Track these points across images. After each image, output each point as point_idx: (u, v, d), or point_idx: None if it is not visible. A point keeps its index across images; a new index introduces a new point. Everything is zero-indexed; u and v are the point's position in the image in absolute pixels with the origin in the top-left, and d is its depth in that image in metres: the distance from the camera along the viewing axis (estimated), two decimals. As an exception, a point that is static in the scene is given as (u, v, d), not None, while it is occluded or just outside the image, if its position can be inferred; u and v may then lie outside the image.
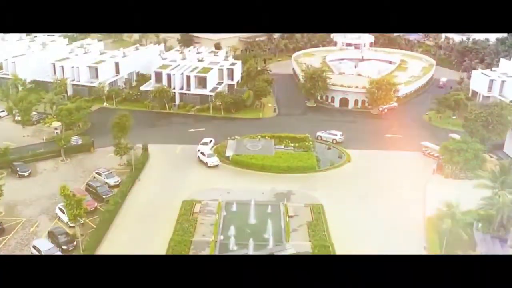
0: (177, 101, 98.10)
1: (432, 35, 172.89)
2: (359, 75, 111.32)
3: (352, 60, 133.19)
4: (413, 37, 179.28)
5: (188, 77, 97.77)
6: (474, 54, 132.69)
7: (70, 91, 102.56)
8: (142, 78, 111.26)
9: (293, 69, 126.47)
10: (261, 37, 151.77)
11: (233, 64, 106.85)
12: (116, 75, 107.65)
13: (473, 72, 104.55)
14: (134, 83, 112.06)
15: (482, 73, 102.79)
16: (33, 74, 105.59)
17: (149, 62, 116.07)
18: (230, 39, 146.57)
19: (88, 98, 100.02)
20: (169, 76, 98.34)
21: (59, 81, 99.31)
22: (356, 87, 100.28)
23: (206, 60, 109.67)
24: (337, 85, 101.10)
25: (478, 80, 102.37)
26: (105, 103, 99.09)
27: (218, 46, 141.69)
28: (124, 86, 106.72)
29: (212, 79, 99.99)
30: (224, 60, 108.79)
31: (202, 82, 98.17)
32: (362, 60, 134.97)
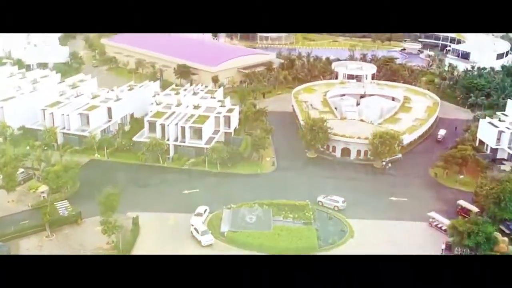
0: (171, 153, 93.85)
1: (435, 62, 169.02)
2: (362, 120, 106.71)
3: (354, 95, 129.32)
4: (416, 62, 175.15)
5: (183, 128, 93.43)
6: (480, 91, 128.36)
7: (60, 140, 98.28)
8: (136, 123, 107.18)
9: (292, 107, 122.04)
10: (260, 67, 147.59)
11: (230, 110, 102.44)
12: (109, 120, 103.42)
13: (481, 121, 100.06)
14: (127, 126, 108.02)
15: (489, 122, 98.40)
16: (22, 119, 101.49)
17: (144, 103, 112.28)
18: (228, 71, 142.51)
19: (78, 148, 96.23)
20: (163, 126, 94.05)
21: (48, 130, 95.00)
22: (359, 137, 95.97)
23: (203, 103, 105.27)
24: (339, 134, 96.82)
25: (486, 130, 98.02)
26: (96, 154, 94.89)
27: (215, 79, 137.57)
28: (116, 132, 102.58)
29: (208, 130, 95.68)
30: (221, 106, 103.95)
31: (197, 133, 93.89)
32: (364, 95, 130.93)
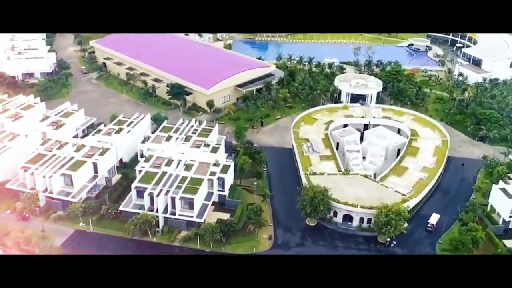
0: (161, 225, 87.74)
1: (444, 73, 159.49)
2: (366, 176, 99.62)
3: (357, 125, 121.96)
4: (424, 62, 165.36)
5: (173, 199, 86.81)
6: (492, 124, 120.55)
7: (42, 202, 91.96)
8: (124, 176, 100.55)
9: (292, 146, 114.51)
10: (258, 83, 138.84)
11: (225, 169, 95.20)
12: (95, 176, 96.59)
13: (493, 187, 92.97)
14: (115, 177, 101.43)
15: (503, 189, 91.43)
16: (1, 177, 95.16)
17: (133, 146, 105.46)
18: (224, 90, 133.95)
19: (62, 214, 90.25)
20: (151, 195, 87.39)
21: (29, 197, 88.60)
22: (361, 206, 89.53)
23: (195, 155, 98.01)
24: (341, 202, 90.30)
25: (499, 198, 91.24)
26: (81, 223, 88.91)
27: (210, 103, 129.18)
28: (102, 191, 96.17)
29: (200, 198, 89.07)
30: (215, 165, 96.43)
31: (189, 203, 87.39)
32: (368, 125, 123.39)
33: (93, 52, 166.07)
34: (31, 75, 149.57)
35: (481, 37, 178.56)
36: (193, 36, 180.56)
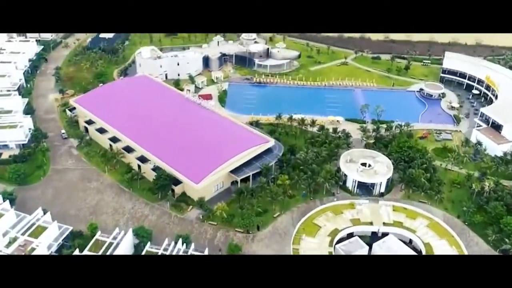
0: None
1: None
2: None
3: (366, 233, 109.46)
4: (436, 118, 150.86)
5: None
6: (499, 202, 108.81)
7: None
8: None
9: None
10: (256, 170, 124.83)
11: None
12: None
13: None
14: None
15: None
16: None
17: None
18: (219, 178, 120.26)
19: None
20: None
21: None
22: None
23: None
24: None
25: None
26: None
27: (201, 200, 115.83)
28: None
29: None
30: None
31: None
32: (377, 233, 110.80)
33: (74, 108, 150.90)
34: (5, 145, 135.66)
35: (501, 86, 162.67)
36: (185, 78, 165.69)
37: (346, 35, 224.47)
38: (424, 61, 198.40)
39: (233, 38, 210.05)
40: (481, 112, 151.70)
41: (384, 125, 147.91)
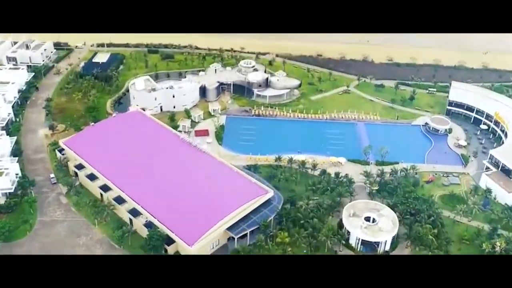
0: None
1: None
2: None
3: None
4: (440, 158, 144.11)
5: None
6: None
7: None
8: None
9: None
10: (254, 226, 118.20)
11: None
12: None
13: None
14: None
15: None
16: None
17: None
18: (215, 235, 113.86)
19: None
20: None
21: None
22: None
23: None
24: None
25: None
26: None
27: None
28: None
29: None
30: None
31: None
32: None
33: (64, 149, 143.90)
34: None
35: (511, 124, 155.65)
36: (182, 110, 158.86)
37: (348, 57, 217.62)
38: (430, 89, 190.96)
39: (231, 62, 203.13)
40: (490, 154, 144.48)
41: (389, 168, 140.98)
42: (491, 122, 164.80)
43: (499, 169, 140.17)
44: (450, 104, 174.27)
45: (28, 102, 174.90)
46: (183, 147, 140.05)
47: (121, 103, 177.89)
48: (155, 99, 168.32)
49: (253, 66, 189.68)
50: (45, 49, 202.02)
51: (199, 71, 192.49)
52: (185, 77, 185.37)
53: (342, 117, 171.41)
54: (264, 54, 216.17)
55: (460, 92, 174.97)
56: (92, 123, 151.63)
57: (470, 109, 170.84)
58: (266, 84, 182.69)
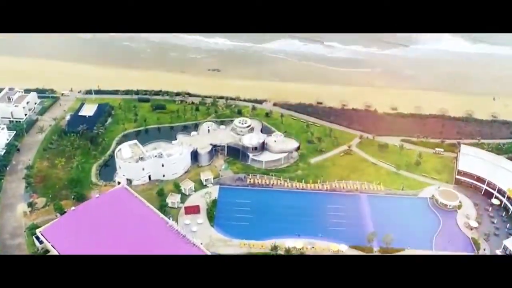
0: None
1: None
2: None
3: None
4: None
5: None
6: None
7: None
8: None
9: None
10: None
11: None
12: None
13: None
14: None
15: None
16: None
17: None
18: None
19: None
20: None
21: None
22: None
23: None
24: None
25: None
26: None
27: None
28: None
29: None
30: None
31: None
32: None
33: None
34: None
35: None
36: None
37: (350, 106, 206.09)
38: (437, 148, 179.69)
39: (226, 113, 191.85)
40: (504, 245, 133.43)
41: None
42: (504, 197, 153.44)
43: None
44: (459, 173, 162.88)
45: (7, 169, 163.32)
46: (170, 238, 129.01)
47: (108, 166, 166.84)
48: (143, 169, 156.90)
49: (249, 126, 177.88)
50: (27, 102, 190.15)
51: (192, 127, 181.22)
52: (175, 139, 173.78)
53: (343, 187, 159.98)
54: (260, 102, 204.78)
55: (469, 159, 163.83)
56: (73, 207, 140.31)
57: (481, 179, 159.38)
58: (262, 147, 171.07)
